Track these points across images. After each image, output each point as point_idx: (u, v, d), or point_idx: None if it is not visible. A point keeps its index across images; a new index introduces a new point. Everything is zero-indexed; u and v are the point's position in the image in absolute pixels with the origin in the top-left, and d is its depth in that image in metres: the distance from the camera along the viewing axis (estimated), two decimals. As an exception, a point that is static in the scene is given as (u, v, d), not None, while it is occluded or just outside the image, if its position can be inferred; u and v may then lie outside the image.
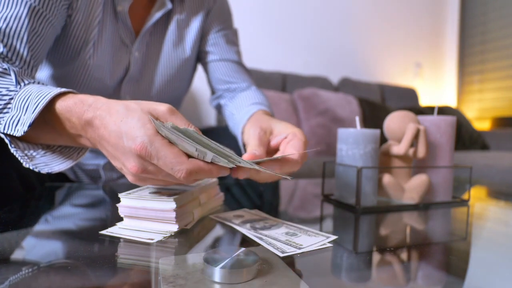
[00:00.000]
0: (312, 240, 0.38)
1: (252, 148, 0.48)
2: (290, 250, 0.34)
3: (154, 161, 0.35)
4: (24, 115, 0.43)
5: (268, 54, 2.34)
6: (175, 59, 0.78)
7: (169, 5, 0.73)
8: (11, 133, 0.44)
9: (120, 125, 0.36)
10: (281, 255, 0.33)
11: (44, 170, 0.46)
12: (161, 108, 0.38)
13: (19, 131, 0.43)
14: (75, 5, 0.62)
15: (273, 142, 0.52)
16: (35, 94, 0.43)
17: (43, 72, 0.71)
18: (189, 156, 0.36)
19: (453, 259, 0.38)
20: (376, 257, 0.37)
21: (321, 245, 0.37)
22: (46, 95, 0.42)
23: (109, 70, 0.70)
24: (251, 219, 0.46)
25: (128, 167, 0.37)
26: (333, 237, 0.39)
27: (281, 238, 0.38)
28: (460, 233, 0.49)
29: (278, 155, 0.50)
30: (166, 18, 0.76)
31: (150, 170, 0.36)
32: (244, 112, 0.71)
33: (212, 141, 0.38)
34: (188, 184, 0.39)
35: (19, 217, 0.49)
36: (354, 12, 2.65)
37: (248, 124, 0.61)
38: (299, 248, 0.35)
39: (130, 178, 0.38)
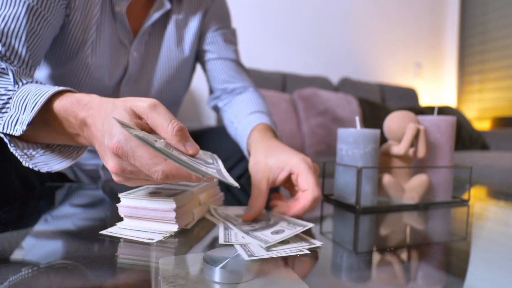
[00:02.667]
0: (294, 244, 0.36)
1: (252, 212, 0.46)
2: (259, 254, 0.32)
3: (131, 161, 0.34)
4: (23, 114, 0.43)
5: (268, 54, 2.34)
6: (174, 59, 0.78)
7: (167, 6, 0.73)
8: (10, 133, 0.44)
9: (104, 123, 0.36)
10: (247, 258, 0.31)
11: (44, 169, 0.46)
12: (142, 104, 0.36)
13: (18, 130, 0.43)
14: (73, 4, 0.62)
15: (279, 180, 0.49)
16: (33, 93, 0.43)
17: (42, 72, 0.71)
18: None
19: (453, 259, 0.38)
20: (376, 257, 0.37)
21: (297, 251, 0.34)
22: (44, 94, 0.42)
23: (107, 70, 0.70)
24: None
25: (108, 166, 0.36)
26: (319, 243, 0.37)
27: (262, 238, 0.36)
28: (460, 233, 0.49)
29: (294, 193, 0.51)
30: (165, 18, 0.76)
31: (129, 170, 0.35)
32: (245, 124, 0.70)
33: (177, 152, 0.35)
34: (170, 183, 0.37)
35: (19, 217, 0.49)
36: (354, 12, 2.65)
37: (251, 156, 0.56)
38: (273, 251, 0.33)
39: (114, 178, 0.37)
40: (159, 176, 0.33)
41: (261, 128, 0.65)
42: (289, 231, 0.38)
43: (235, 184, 0.37)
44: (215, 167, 0.39)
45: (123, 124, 0.32)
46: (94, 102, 0.39)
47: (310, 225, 0.41)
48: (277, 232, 0.38)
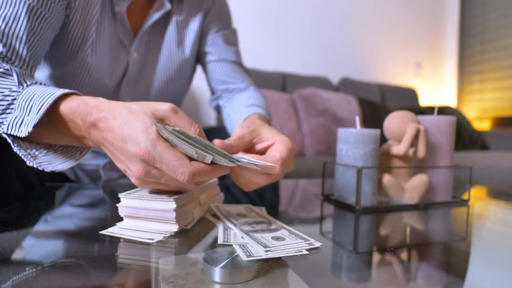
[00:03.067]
0: (292, 245, 0.36)
1: (230, 140, 0.45)
2: (257, 254, 0.32)
3: (157, 165, 0.35)
4: (28, 115, 0.43)
5: (268, 54, 2.34)
6: (175, 60, 0.78)
7: (168, 6, 0.73)
8: (15, 134, 0.44)
9: (124, 129, 0.36)
10: (245, 258, 0.31)
11: (48, 168, 0.46)
12: (164, 107, 0.38)
13: (23, 131, 0.43)
14: (73, 4, 0.62)
15: (259, 147, 0.48)
16: (39, 94, 0.43)
17: (42, 72, 0.71)
18: (190, 158, 0.36)
19: (453, 259, 0.38)
20: (376, 257, 0.37)
21: (296, 252, 0.34)
22: (50, 96, 0.42)
23: (107, 70, 0.70)
24: (248, 221, 0.45)
25: (133, 170, 0.37)
26: (318, 244, 0.36)
27: (261, 241, 0.36)
28: (460, 233, 0.49)
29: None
30: (165, 19, 0.76)
31: (153, 173, 0.36)
32: (240, 115, 0.71)
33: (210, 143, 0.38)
34: (191, 187, 0.39)
35: (19, 217, 0.49)
36: (354, 12, 2.65)
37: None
38: (271, 251, 0.33)
39: (134, 181, 0.39)
40: (186, 177, 0.35)
41: (254, 116, 0.65)
42: (290, 241, 0.37)
43: (270, 165, 0.40)
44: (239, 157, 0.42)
45: (157, 126, 0.35)
46: (102, 105, 0.40)
47: (317, 244, 0.37)
48: (277, 238, 0.38)
